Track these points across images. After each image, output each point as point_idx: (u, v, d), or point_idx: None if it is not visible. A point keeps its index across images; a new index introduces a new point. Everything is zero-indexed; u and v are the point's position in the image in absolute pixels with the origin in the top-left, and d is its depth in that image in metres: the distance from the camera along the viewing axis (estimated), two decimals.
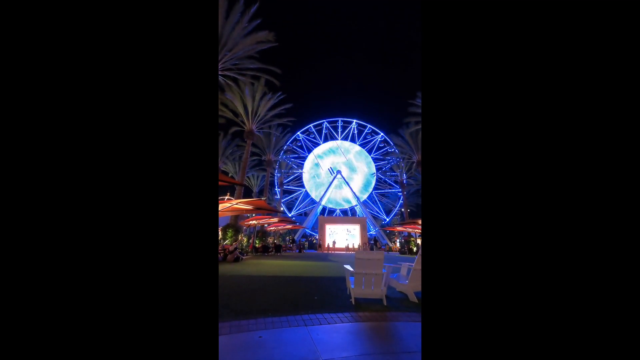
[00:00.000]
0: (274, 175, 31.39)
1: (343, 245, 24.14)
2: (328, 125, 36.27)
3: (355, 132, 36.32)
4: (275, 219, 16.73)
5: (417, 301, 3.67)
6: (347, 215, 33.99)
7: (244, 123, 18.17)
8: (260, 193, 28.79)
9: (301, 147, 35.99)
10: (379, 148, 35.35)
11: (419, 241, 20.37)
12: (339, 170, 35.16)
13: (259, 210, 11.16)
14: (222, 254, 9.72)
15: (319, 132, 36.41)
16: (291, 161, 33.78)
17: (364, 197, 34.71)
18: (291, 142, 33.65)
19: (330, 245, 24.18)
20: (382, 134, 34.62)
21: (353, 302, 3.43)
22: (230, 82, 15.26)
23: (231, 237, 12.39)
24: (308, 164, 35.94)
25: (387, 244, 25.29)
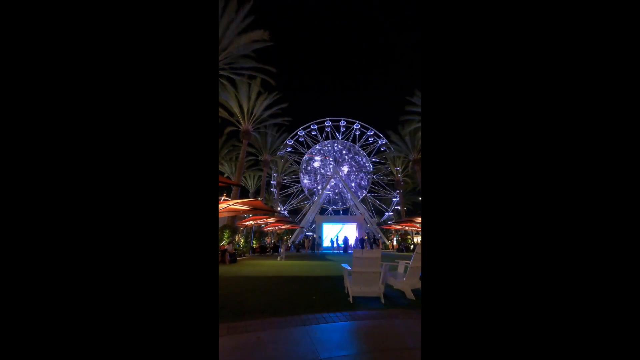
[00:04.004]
0: (271, 176, 31.29)
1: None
2: (316, 127, 36.20)
3: (353, 131, 36.41)
4: (273, 219, 16.69)
5: (414, 298, 3.70)
6: (344, 214, 34.11)
7: (239, 123, 18.03)
8: (257, 193, 28.66)
9: (300, 144, 35.99)
10: (372, 145, 35.40)
11: (415, 239, 20.55)
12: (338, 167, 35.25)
13: (255, 210, 11.11)
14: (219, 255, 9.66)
15: (314, 132, 36.38)
16: (289, 158, 33.67)
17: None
18: (289, 140, 33.46)
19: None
20: (373, 130, 34.70)
21: (351, 301, 3.44)
22: (225, 82, 15.12)
23: (227, 238, 12.32)
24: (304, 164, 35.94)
25: (384, 242, 25.46)
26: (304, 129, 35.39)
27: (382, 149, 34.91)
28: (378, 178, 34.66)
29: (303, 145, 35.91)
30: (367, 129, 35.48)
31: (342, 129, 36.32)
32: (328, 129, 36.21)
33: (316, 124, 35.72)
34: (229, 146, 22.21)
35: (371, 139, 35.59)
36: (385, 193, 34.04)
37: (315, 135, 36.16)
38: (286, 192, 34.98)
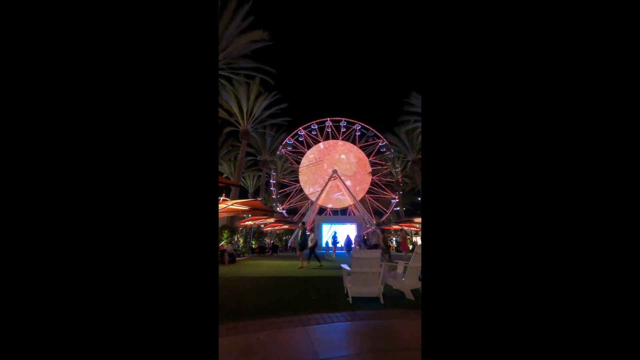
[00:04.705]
0: (270, 175, 31.31)
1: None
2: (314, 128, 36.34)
3: (343, 129, 36.49)
4: (272, 220, 16.67)
5: (413, 298, 3.70)
6: (343, 214, 34.15)
7: (238, 123, 18.01)
8: (256, 194, 28.62)
9: (294, 150, 36.07)
10: (368, 142, 35.55)
11: (414, 239, 20.59)
12: (334, 169, 35.21)
13: (255, 210, 11.10)
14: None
15: (309, 135, 36.44)
16: (287, 164, 33.80)
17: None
18: (282, 147, 33.36)
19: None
20: (376, 132, 34.86)
21: (350, 301, 3.44)
22: (224, 82, 15.10)
23: (227, 238, 12.30)
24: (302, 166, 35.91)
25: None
26: (292, 137, 35.47)
27: (357, 133, 35.22)
28: (377, 179, 34.74)
29: (301, 145, 35.96)
30: (359, 126, 35.62)
31: (328, 130, 36.37)
32: (314, 132, 36.23)
33: (303, 129, 35.81)
34: (228, 146, 22.16)
35: (343, 125, 35.76)
36: (385, 194, 34.06)
37: (306, 140, 36.16)
38: (285, 191, 34.99)
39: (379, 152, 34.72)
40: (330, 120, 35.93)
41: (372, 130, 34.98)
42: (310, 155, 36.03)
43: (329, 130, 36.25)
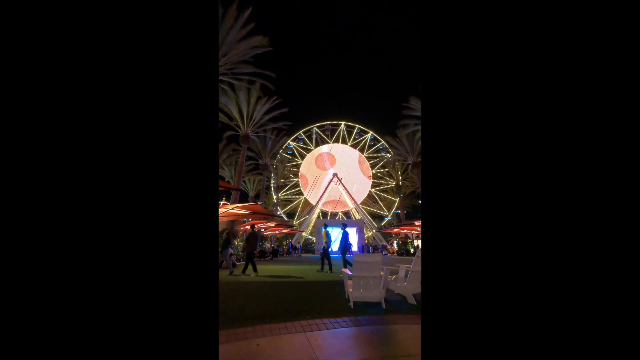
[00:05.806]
0: (271, 179, 31.44)
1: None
2: (317, 130, 37.12)
3: (345, 134, 37.18)
4: (272, 223, 16.61)
5: (415, 303, 3.66)
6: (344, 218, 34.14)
7: (239, 127, 18.13)
8: (257, 197, 28.64)
9: (293, 154, 36.59)
10: (369, 147, 36.30)
11: (415, 242, 20.48)
12: (335, 172, 35.28)
13: (255, 214, 11.08)
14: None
15: (309, 137, 37.14)
16: (288, 170, 34.39)
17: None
18: (282, 151, 33.88)
19: None
20: (371, 133, 35.58)
21: (352, 306, 3.40)
22: (225, 87, 15.25)
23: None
24: (303, 168, 36.19)
25: (385, 246, 25.40)
26: (293, 140, 36.28)
27: (330, 127, 36.10)
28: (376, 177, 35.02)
29: (295, 156, 36.55)
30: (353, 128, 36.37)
31: (327, 133, 37.32)
32: (315, 135, 37.12)
33: (303, 132, 36.78)
34: (228, 150, 22.26)
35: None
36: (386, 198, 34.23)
37: (305, 143, 36.93)
38: (284, 183, 35.48)
39: (369, 146, 35.44)
40: (315, 126, 36.91)
41: (328, 125, 36.12)
42: (305, 169, 36.78)
43: (316, 136, 37.19)
